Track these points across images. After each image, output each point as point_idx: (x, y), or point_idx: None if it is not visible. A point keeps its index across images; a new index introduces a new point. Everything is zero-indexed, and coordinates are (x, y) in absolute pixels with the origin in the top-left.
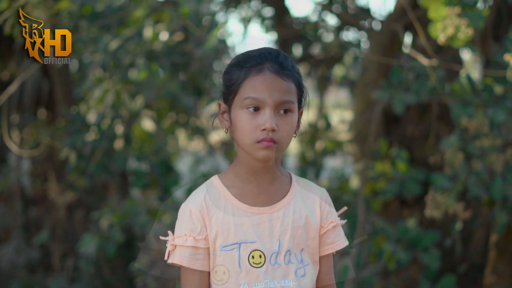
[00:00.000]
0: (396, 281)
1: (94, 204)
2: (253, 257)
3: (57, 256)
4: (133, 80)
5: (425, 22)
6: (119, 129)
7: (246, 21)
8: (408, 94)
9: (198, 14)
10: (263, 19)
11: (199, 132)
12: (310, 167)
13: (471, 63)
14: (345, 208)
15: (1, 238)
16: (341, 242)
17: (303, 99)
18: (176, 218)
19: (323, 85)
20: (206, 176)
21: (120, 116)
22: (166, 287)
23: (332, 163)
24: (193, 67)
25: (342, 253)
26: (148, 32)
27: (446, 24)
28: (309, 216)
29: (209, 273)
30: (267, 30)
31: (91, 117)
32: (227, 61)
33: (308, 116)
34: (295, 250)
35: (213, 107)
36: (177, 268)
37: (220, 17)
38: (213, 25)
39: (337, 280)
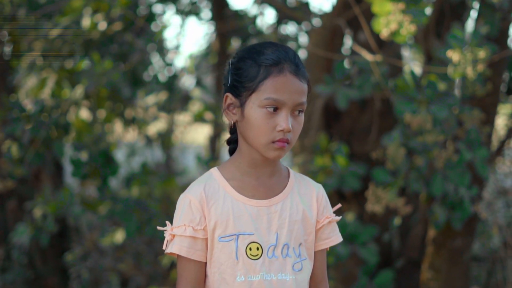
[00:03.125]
0: (334, 275)
1: (27, 194)
2: (250, 249)
3: None
4: (72, 69)
5: (369, 16)
6: (58, 118)
7: (183, 13)
8: (351, 89)
9: (136, 4)
10: (199, 11)
11: (136, 122)
12: None
13: (410, 59)
14: (339, 205)
15: None
16: (336, 237)
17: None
18: (112, 209)
19: None
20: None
21: (59, 105)
22: (99, 278)
23: None
24: (134, 57)
25: None
26: (86, 22)
27: (390, 20)
28: (306, 211)
29: (206, 263)
30: (205, 22)
31: (29, 106)
32: (234, 55)
33: None
34: (293, 244)
35: (151, 99)
36: (111, 260)
37: (157, 8)
38: (151, 16)
39: None
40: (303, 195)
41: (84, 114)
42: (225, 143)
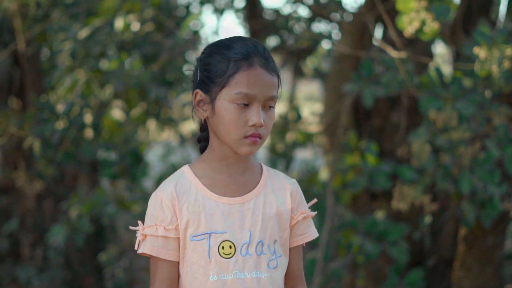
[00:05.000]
0: (364, 274)
1: (64, 194)
2: (223, 247)
3: (26, 245)
4: (103, 70)
5: (396, 14)
6: (88, 118)
7: (219, 12)
8: (378, 87)
9: (169, 5)
10: (236, 10)
11: (170, 122)
12: (280, 159)
13: (443, 56)
14: (315, 200)
15: None
16: (311, 233)
17: (279, 91)
18: (145, 208)
19: (295, 77)
20: (175, 167)
21: (89, 105)
22: (134, 278)
23: (303, 155)
24: (164, 57)
25: (311, 245)
26: (119, 23)
27: (412, 17)
28: (280, 207)
29: (178, 263)
30: (240, 21)
31: (61, 106)
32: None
33: (280, 108)
34: (267, 241)
35: (185, 98)
36: (146, 259)
37: (194, 8)
38: (187, 15)
39: (306, 272)
40: (277, 191)
41: (117, 114)
42: (196, 141)
